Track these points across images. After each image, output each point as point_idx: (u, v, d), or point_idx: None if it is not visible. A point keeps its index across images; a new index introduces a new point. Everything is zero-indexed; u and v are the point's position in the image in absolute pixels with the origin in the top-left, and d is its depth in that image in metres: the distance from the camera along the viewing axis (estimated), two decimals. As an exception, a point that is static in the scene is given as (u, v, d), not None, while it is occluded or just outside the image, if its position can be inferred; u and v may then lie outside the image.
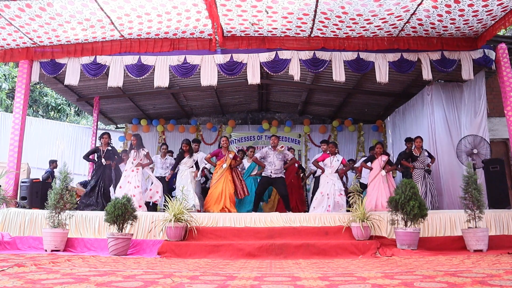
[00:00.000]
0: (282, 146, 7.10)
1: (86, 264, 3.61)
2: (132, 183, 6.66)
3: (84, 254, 4.90)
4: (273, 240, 5.20)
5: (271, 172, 6.91)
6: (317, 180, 7.90)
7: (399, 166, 7.54)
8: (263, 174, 7.10)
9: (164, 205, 5.72)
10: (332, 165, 6.93)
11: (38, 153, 10.96)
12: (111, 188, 7.10)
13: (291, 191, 8.03)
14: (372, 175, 7.08)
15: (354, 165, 8.91)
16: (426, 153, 7.39)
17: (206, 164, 7.63)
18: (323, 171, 7.01)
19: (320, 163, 7.11)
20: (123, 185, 6.66)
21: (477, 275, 2.59)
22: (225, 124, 12.33)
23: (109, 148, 7.13)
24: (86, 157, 7.26)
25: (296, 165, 8.58)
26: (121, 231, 5.05)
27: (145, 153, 6.94)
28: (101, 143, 7.16)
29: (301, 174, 9.04)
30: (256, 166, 7.88)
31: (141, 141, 7.07)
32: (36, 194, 6.49)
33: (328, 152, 7.16)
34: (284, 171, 7.25)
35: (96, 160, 7.14)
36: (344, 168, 7.19)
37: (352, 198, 5.78)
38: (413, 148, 7.48)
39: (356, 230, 5.29)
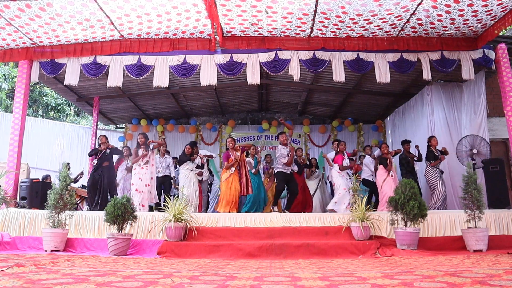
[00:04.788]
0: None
1: (86, 264, 3.61)
2: (143, 181, 6.71)
3: (84, 254, 4.89)
4: (273, 240, 5.20)
5: (289, 167, 6.92)
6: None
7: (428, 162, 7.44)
8: (281, 170, 6.95)
9: (164, 205, 5.71)
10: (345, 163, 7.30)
11: (38, 153, 10.97)
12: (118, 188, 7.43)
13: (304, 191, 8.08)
14: (383, 174, 7.13)
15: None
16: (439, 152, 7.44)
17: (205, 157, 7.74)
18: (331, 165, 7.59)
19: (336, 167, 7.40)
20: (135, 182, 6.74)
21: (477, 275, 2.59)
22: (225, 124, 12.32)
23: (108, 150, 7.11)
24: (90, 155, 7.89)
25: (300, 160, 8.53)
26: (121, 231, 5.05)
27: (151, 148, 6.99)
28: (100, 145, 7.18)
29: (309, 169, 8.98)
30: (258, 163, 7.89)
31: (148, 139, 7.13)
32: (36, 194, 6.49)
33: (339, 150, 7.40)
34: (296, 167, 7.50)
35: (96, 161, 7.16)
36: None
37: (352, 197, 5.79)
38: (430, 147, 7.43)
39: (356, 230, 5.29)
